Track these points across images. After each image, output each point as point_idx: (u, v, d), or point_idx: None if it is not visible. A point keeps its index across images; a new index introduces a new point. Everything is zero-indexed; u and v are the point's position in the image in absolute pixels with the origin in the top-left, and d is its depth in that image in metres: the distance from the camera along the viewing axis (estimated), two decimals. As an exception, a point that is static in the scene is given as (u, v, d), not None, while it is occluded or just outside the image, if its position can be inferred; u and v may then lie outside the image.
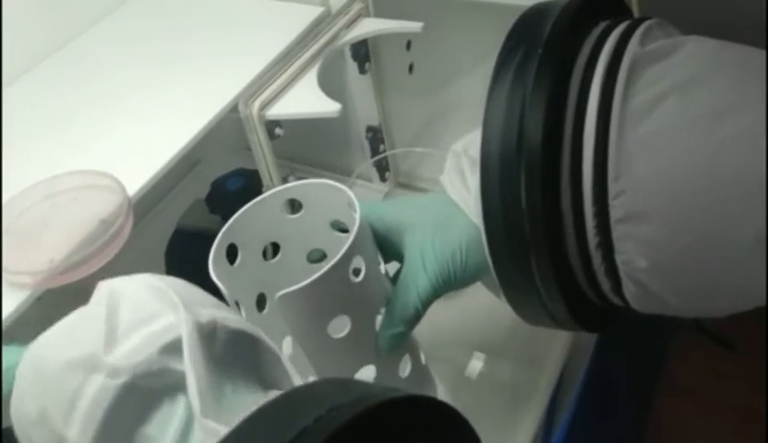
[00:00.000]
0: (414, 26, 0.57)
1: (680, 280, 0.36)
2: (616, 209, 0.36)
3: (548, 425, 0.61)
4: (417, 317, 0.44)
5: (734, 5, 0.57)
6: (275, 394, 0.31)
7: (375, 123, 0.69)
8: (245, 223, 0.44)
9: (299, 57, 0.54)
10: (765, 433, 0.93)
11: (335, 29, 0.56)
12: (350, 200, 0.43)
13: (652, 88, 0.36)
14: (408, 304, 0.43)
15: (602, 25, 0.41)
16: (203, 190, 0.73)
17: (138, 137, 0.52)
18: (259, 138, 0.52)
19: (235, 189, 0.69)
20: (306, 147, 0.76)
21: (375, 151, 0.71)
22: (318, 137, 0.68)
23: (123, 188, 0.46)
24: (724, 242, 0.34)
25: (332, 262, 0.39)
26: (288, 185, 0.45)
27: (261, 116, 0.51)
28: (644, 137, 0.35)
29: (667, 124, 0.35)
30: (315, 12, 0.61)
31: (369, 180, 0.74)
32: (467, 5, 0.59)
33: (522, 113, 0.38)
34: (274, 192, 0.45)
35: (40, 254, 0.43)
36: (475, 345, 0.63)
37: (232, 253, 0.43)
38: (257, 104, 0.50)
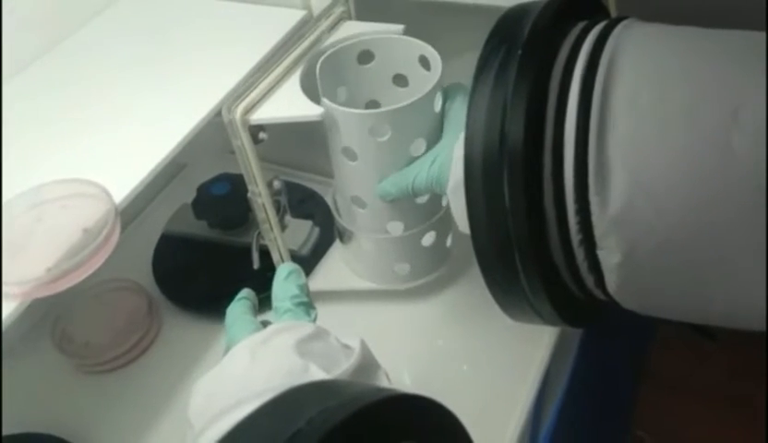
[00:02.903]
0: (395, 28, 0.57)
1: (657, 277, 0.37)
2: (596, 205, 0.36)
3: (537, 417, 0.61)
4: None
5: (711, 3, 0.58)
6: None
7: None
8: (324, 66, 0.56)
9: (282, 61, 0.54)
10: (766, 425, 0.94)
11: (317, 32, 0.57)
12: (425, 52, 0.56)
13: (629, 84, 0.36)
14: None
15: (580, 25, 0.42)
16: (189, 194, 0.73)
17: (123, 143, 0.52)
18: (243, 143, 0.52)
19: (221, 194, 0.69)
20: (291, 150, 0.77)
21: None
22: (302, 141, 0.69)
23: (109, 196, 0.47)
24: (698, 238, 0.35)
25: (426, 90, 0.52)
26: (366, 37, 0.58)
27: (245, 121, 0.51)
28: (623, 134, 0.36)
29: (644, 120, 0.35)
30: (297, 16, 0.61)
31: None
32: (448, 7, 0.60)
33: (503, 113, 0.39)
34: (352, 43, 0.58)
35: (30, 264, 0.43)
36: (461, 343, 0.64)
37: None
38: (240, 109, 0.51)
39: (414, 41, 0.56)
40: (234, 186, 0.69)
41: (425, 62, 0.57)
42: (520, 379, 0.60)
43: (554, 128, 0.38)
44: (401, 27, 0.57)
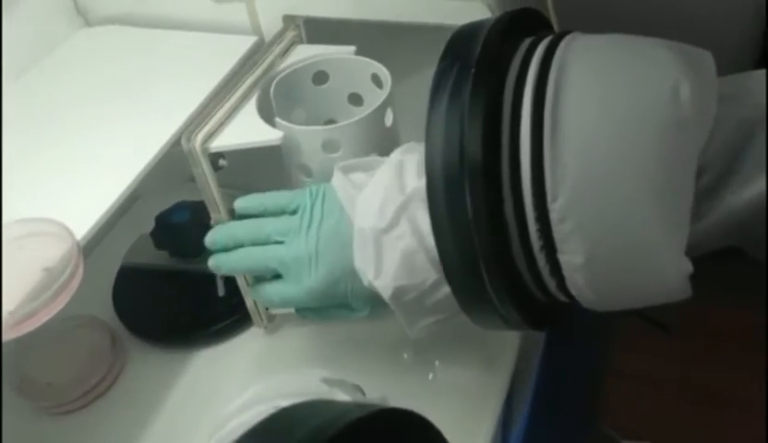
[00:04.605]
0: (347, 50, 0.59)
1: (617, 275, 0.39)
2: (555, 212, 0.38)
3: (506, 421, 0.62)
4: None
5: (649, 17, 0.60)
6: None
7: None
8: (280, 87, 0.57)
9: (238, 88, 0.54)
10: (766, 423, 0.97)
11: (271, 57, 0.57)
12: (377, 71, 0.57)
13: (577, 94, 0.38)
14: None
15: (528, 40, 0.43)
16: (145, 225, 0.73)
17: (81, 177, 0.51)
18: (204, 171, 0.52)
19: (181, 222, 0.69)
20: (249, 175, 0.77)
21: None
22: (260, 165, 0.69)
23: (70, 233, 0.46)
24: (635, 240, 0.37)
25: (376, 106, 0.53)
26: (320, 57, 0.59)
27: (205, 149, 0.51)
28: (574, 143, 0.37)
29: (594, 127, 0.37)
30: (249, 42, 0.62)
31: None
32: (396, 27, 0.61)
33: (461, 129, 0.40)
34: (306, 64, 0.59)
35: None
36: (426, 354, 0.64)
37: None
38: (199, 138, 0.51)
39: (366, 60, 0.58)
40: (194, 214, 0.68)
41: (377, 80, 0.58)
42: (487, 385, 0.60)
43: (509, 141, 0.39)
44: (352, 48, 0.59)
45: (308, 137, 0.53)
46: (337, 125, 0.53)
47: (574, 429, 0.90)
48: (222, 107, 0.53)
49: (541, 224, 0.39)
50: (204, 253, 0.71)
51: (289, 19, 0.61)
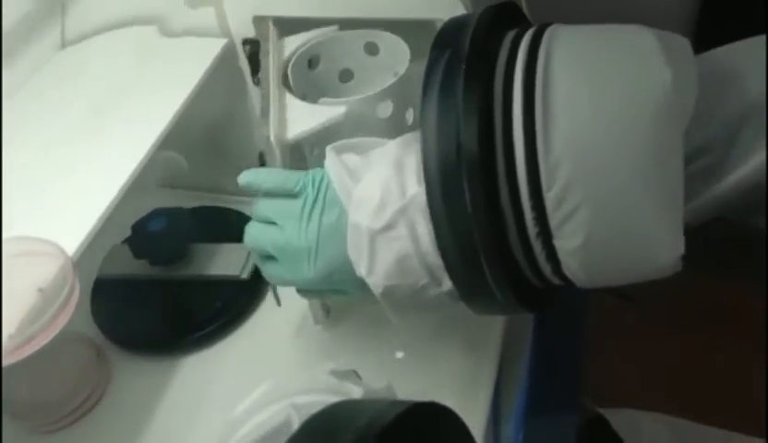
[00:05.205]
0: (329, 29, 0.60)
1: (606, 259, 0.41)
2: (550, 200, 0.39)
3: (497, 403, 0.64)
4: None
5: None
6: None
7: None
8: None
9: (269, 89, 0.54)
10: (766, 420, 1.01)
11: (277, 51, 0.57)
12: (373, 38, 0.57)
13: (565, 83, 0.39)
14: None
15: (511, 34, 0.44)
16: (117, 236, 0.71)
17: (65, 193, 0.50)
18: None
19: (158, 230, 0.68)
20: (209, 173, 0.76)
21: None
22: (218, 163, 0.68)
23: (63, 252, 0.45)
24: (630, 225, 0.39)
25: (407, 65, 0.55)
26: (313, 40, 0.59)
27: (281, 140, 0.52)
28: (566, 132, 0.39)
29: (582, 117, 0.39)
30: (219, 44, 0.61)
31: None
32: (366, 24, 0.61)
33: (456, 125, 0.41)
34: (303, 50, 0.59)
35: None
36: (410, 339, 0.65)
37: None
38: (274, 133, 0.51)
39: (357, 31, 0.58)
40: (171, 221, 0.67)
41: (371, 48, 0.58)
42: (476, 369, 0.61)
43: (503, 133, 0.41)
44: (335, 26, 0.59)
45: (365, 105, 0.54)
46: (388, 85, 0.54)
47: (565, 406, 0.92)
48: (271, 108, 0.53)
49: (537, 212, 0.40)
50: (183, 259, 0.71)
51: (259, 20, 0.61)
